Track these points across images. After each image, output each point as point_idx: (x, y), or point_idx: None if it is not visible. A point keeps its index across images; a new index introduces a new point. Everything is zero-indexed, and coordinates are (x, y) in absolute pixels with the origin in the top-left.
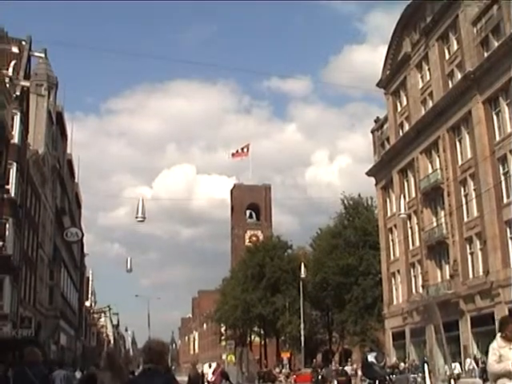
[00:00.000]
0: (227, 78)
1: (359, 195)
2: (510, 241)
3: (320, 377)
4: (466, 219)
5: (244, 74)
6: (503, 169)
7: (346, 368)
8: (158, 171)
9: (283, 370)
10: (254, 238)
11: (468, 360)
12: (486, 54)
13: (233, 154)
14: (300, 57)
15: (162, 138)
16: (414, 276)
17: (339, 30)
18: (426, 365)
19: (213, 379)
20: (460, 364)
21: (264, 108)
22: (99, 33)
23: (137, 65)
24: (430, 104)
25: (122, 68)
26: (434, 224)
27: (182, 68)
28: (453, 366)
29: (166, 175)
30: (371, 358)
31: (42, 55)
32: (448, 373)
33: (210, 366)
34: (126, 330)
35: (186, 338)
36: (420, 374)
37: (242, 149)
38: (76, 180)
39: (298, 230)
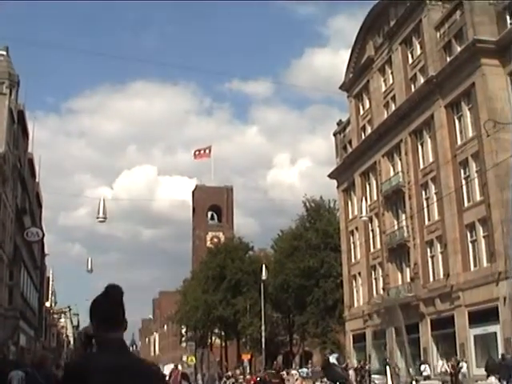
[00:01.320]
0: (188, 79)
1: (321, 198)
2: (470, 244)
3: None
4: (426, 222)
5: (205, 76)
6: (464, 173)
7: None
8: (119, 172)
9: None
10: (215, 240)
11: (440, 362)
12: (448, 59)
13: (195, 154)
14: (261, 59)
15: (123, 139)
16: (375, 279)
17: (301, 32)
18: (387, 367)
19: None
20: (429, 366)
21: (225, 110)
22: (59, 32)
23: (97, 65)
24: (393, 108)
25: (82, 68)
26: (396, 227)
27: (143, 69)
28: (422, 368)
29: (126, 176)
30: (333, 359)
31: (4, 52)
32: (412, 374)
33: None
34: None
35: (147, 339)
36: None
37: (205, 150)
38: (37, 179)
39: (260, 231)
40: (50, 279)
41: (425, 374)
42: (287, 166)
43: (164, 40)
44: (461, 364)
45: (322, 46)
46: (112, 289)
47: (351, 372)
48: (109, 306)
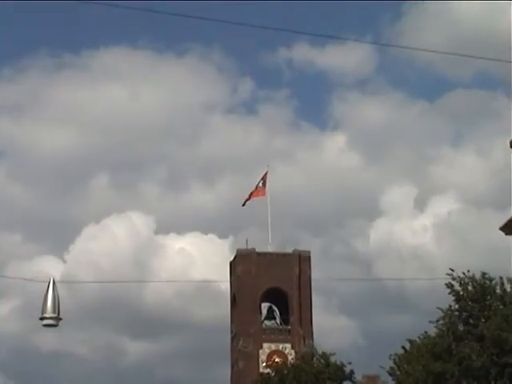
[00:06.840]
0: (208, 44)
1: (484, 275)
2: None
3: None
4: None
5: (241, 37)
6: None
7: None
8: (77, 228)
9: None
10: (277, 359)
11: None
12: None
13: (244, 203)
14: (348, 8)
15: (83, 162)
16: None
17: None
18: None
19: None
20: None
21: (281, 102)
22: None
23: (27, 17)
24: None
25: None
26: None
27: (119, 25)
28: None
29: (92, 235)
30: None
31: None
32: None
33: None
34: None
35: None
36: None
37: (256, 185)
38: None
39: (364, 342)
40: None
41: None
42: (409, 212)
43: None
44: None
45: None
46: None
47: None
48: None
